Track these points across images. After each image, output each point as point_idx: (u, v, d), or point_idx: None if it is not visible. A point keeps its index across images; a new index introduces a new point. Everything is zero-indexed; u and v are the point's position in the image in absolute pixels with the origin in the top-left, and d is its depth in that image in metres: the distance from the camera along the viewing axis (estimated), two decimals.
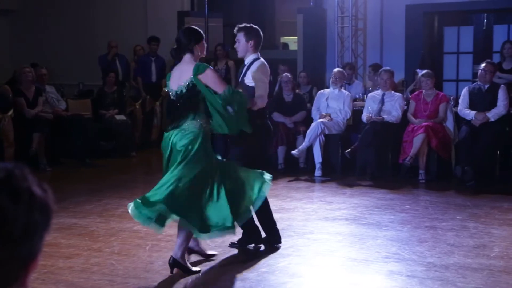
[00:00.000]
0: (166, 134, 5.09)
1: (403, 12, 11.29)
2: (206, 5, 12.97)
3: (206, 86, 4.99)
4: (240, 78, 5.71)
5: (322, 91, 9.87)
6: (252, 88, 5.53)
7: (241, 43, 5.62)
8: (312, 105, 9.86)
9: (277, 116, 9.67)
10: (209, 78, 5.00)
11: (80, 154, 10.16)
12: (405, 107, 9.27)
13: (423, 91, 9.13)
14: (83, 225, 6.54)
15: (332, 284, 4.88)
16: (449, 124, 9.08)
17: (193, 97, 5.01)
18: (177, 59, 5.27)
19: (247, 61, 5.67)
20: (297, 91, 10.08)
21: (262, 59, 5.65)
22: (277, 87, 10.56)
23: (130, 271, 5.12)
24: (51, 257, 5.37)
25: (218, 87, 5.00)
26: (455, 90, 11.23)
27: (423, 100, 9.09)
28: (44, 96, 10.28)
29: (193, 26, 5.33)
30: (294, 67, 11.53)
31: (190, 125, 4.99)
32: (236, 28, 5.69)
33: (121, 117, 11.01)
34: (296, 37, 12.42)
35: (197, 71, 4.98)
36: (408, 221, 6.69)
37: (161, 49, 12.35)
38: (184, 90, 5.02)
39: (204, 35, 5.28)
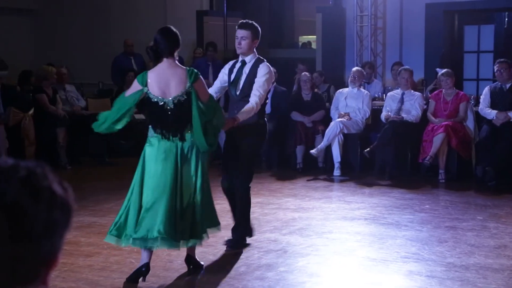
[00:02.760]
0: (167, 144, 4.87)
1: (423, 10, 11.22)
2: (225, 4, 13.00)
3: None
4: (244, 78, 5.53)
5: (341, 90, 9.83)
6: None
7: (247, 41, 5.50)
8: (330, 104, 9.83)
9: (295, 116, 9.65)
10: (200, 85, 4.90)
11: (100, 153, 10.22)
12: (425, 107, 9.22)
13: (443, 90, 9.07)
14: (102, 223, 6.57)
15: (351, 284, 4.86)
16: (470, 123, 9.01)
17: (188, 106, 4.87)
18: (154, 60, 5.02)
19: (248, 60, 5.57)
20: (315, 90, 10.06)
21: (265, 61, 5.60)
22: (295, 87, 10.55)
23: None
24: (71, 255, 5.40)
25: (205, 94, 4.92)
26: (475, 89, 11.14)
27: (443, 100, 9.03)
28: (64, 95, 10.38)
29: (172, 28, 5.11)
30: (312, 66, 11.51)
31: (189, 135, 4.92)
32: (240, 24, 5.55)
33: (140, 117, 11.04)
34: (315, 36, 12.40)
35: (193, 79, 4.86)
36: (428, 221, 6.66)
37: (180, 48, 12.37)
38: (183, 99, 4.87)
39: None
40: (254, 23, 5.60)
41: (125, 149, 10.95)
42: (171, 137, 4.88)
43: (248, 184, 5.65)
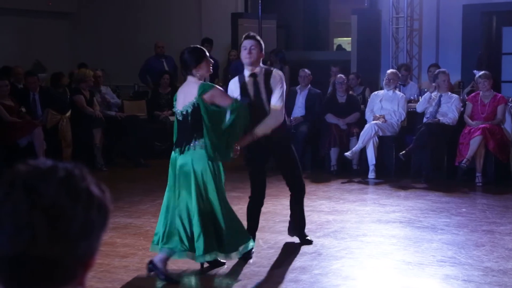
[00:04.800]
0: (173, 154, 5.07)
1: (460, 12, 11.09)
2: (260, 7, 13.02)
3: (212, 104, 4.91)
4: (264, 91, 5.46)
5: (376, 92, 9.77)
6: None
7: (257, 51, 5.46)
8: (365, 106, 9.78)
9: (330, 118, 9.62)
10: (215, 96, 4.95)
11: (135, 154, 10.31)
12: (462, 109, 9.11)
13: (480, 92, 8.95)
14: (138, 224, 6.63)
15: (385, 287, 4.82)
16: (507, 126, 8.88)
17: (198, 117, 4.95)
18: (184, 76, 5.22)
19: (258, 71, 5.48)
20: (350, 92, 10.00)
21: (274, 69, 5.66)
22: (330, 89, 10.51)
23: (183, 271, 5.17)
24: (107, 256, 5.46)
25: (225, 101, 4.97)
26: None
27: (480, 102, 8.91)
28: (100, 97, 10.50)
29: (197, 46, 5.21)
30: (347, 68, 11.46)
31: (197, 146, 4.95)
32: (247, 35, 5.52)
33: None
34: (350, 38, 12.35)
35: (202, 91, 4.93)
36: (465, 224, 6.57)
37: (215, 51, 12.42)
38: (190, 110, 4.97)
39: (206, 55, 5.11)
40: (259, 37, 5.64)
41: (160, 151, 11.04)
42: (176, 148, 5.06)
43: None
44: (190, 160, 4.95)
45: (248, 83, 5.50)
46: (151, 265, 4.99)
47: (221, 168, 5.06)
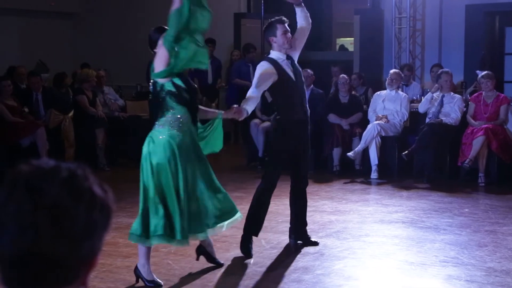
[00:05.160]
0: None
1: (462, 12, 11.08)
2: (262, 7, 13.01)
3: (169, 63, 4.82)
4: (301, 72, 5.75)
5: (378, 92, 9.76)
6: None
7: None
8: (367, 106, 9.77)
9: (332, 118, 9.61)
10: (157, 59, 4.88)
11: (138, 154, 10.30)
12: (465, 109, 9.10)
13: (483, 92, 8.95)
14: None
15: (388, 287, 4.82)
16: (510, 126, 8.87)
17: (159, 95, 4.89)
18: None
19: (290, 55, 5.59)
20: (353, 92, 9.99)
21: None
22: (332, 89, 10.50)
23: (186, 271, 5.17)
24: (110, 256, 5.46)
25: (164, 50, 4.83)
26: None
27: (483, 102, 8.91)
28: (102, 98, 10.51)
29: (161, 26, 5.15)
30: (350, 68, 11.46)
31: (156, 126, 4.92)
32: (285, 19, 5.58)
33: None
34: (352, 39, 12.34)
35: (152, 67, 4.96)
36: (467, 225, 6.57)
37: (217, 51, 12.43)
38: (152, 91, 4.98)
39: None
40: None
41: None
42: None
43: None
44: (147, 142, 4.95)
45: (287, 65, 5.55)
46: (138, 271, 4.91)
47: (194, 145, 4.95)
